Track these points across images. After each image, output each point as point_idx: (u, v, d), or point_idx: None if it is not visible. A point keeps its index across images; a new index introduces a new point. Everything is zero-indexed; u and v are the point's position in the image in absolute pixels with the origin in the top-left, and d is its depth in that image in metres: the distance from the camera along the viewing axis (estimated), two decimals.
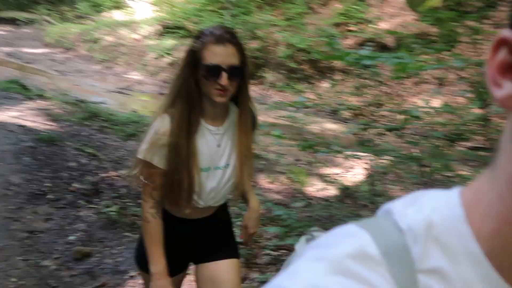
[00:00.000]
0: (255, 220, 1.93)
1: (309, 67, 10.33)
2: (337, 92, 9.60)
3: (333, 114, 9.18)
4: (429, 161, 3.29)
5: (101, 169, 4.50)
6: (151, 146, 1.59)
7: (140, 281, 2.24)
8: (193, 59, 1.55)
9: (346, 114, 8.99)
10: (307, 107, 8.77)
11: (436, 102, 8.09)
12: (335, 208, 4.09)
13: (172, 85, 1.64)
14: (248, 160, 1.76)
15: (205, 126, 1.64)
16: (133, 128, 5.71)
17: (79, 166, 4.46)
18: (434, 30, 9.57)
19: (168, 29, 12.30)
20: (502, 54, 0.38)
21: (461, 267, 0.37)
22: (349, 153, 3.76)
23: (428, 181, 3.19)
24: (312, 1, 12.08)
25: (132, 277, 3.01)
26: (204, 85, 1.55)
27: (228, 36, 1.53)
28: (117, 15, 14.90)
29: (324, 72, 10.23)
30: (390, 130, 3.65)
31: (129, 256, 3.12)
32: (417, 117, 3.66)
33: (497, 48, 0.38)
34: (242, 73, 1.57)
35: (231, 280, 1.77)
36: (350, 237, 0.39)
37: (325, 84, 10.07)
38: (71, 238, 3.39)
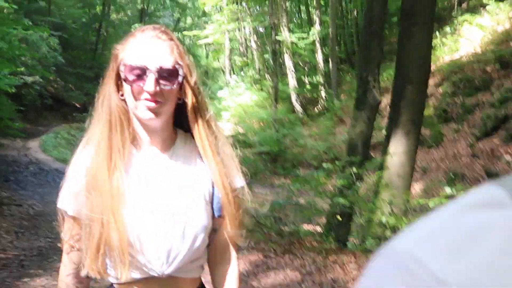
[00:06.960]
0: None
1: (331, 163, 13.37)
2: None
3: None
4: None
5: None
6: (67, 190, 1.13)
7: None
8: (114, 65, 1.10)
9: None
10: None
11: None
12: None
13: (95, 106, 1.13)
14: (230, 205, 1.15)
15: (143, 150, 1.14)
16: None
17: None
18: None
19: None
20: None
21: None
22: None
23: None
24: (343, 115, 15.50)
25: None
26: (128, 96, 1.07)
27: (157, 31, 1.09)
28: None
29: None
30: None
31: None
32: None
33: None
34: (179, 77, 1.07)
35: None
36: (483, 190, 0.38)
37: None
38: None
